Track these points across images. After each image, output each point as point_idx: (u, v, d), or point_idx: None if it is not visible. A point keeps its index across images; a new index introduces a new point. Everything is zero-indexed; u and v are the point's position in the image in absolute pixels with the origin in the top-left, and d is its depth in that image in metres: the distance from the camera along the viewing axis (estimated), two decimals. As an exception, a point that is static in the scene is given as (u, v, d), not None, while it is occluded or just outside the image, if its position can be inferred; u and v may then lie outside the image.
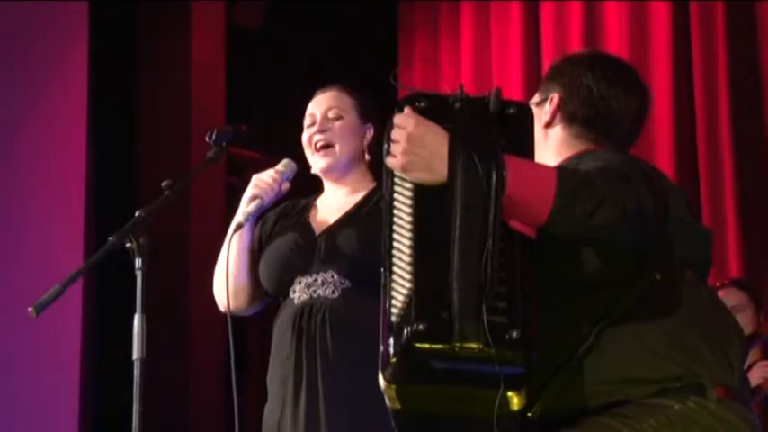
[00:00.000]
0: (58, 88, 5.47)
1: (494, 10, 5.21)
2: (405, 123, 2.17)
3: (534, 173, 2.15)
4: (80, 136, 5.42)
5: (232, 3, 5.87)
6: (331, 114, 3.33)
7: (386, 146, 2.20)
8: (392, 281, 2.10)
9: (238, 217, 3.20)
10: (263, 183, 3.20)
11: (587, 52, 2.66)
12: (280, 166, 3.25)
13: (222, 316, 5.39)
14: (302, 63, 5.88)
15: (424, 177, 2.14)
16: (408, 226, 2.12)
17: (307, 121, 3.35)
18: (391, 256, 2.12)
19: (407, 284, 2.07)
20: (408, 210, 2.13)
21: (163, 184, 2.93)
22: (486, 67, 5.21)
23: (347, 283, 3.13)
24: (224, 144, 3.04)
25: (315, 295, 3.16)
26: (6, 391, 4.89)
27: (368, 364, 3.00)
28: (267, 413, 3.20)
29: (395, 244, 2.12)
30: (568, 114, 2.46)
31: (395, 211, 2.15)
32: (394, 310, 2.08)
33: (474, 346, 2.02)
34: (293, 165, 3.27)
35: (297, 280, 3.18)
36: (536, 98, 2.53)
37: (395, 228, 2.14)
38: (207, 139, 3.04)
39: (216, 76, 5.65)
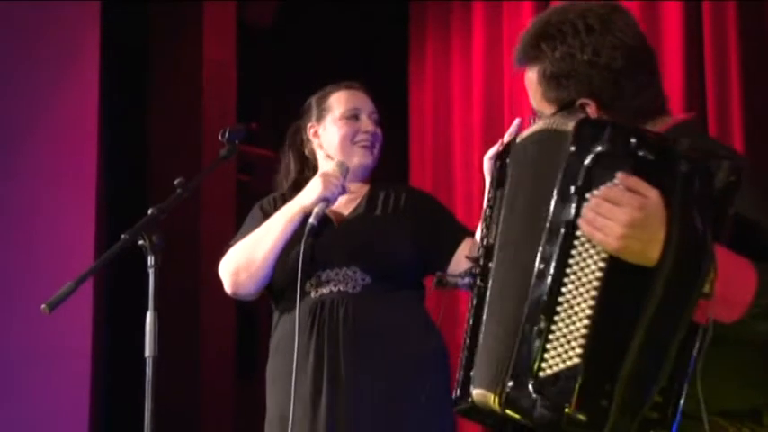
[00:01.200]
0: (70, 86, 5.48)
1: (506, 9, 5.20)
2: (625, 201, 1.94)
3: (735, 269, 1.97)
4: (92, 134, 5.43)
5: (244, 2, 5.87)
6: (374, 117, 3.40)
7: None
8: (550, 328, 1.96)
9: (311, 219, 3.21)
10: (333, 185, 3.23)
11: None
12: (336, 167, 3.28)
13: (233, 314, 5.45)
14: (313, 61, 5.88)
15: (632, 259, 1.95)
16: (592, 292, 1.95)
17: (348, 113, 3.38)
18: (557, 296, 1.96)
19: (572, 352, 1.93)
20: (596, 273, 1.96)
21: (175, 181, 2.94)
22: (497, 65, 5.20)
23: (368, 279, 3.16)
24: (237, 142, 3.05)
25: (335, 290, 3.18)
26: (18, 387, 4.90)
27: (389, 360, 3.08)
28: (272, 406, 3.21)
29: (567, 292, 1.96)
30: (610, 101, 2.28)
31: (577, 263, 1.98)
32: (548, 363, 1.95)
33: None
34: (346, 165, 3.32)
35: (316, 274, 3.19)
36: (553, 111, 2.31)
37: (573, 273, 1.97)
38: (220, 137, 3.04)
39: (228, 74, 5.65)
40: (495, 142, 4.94)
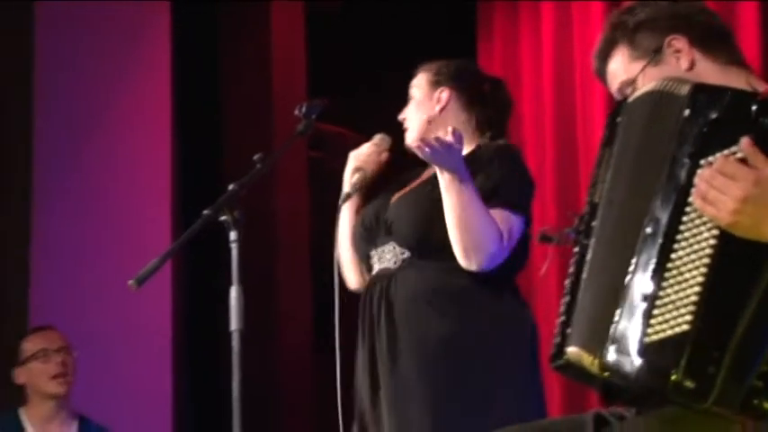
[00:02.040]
0: (143, 68, 5.55)
1: (575, 9, 5.09)
2: (740, 175, 1.90)
3: None
4: (165, 113, 5.49)
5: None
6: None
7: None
8: (658, 294, 1.95)
9: (345, 188, 3.25)
10: (363, 155, 3.25)
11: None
12: (375, 139, 3.29)
13: (309, 288, 5.49)
14: (380, 46, 5.86)
15: (743, 234, 1.92)
16: (705, 260, 1.93)
17: None
18: (667, 261, 1.94)
19: (681, 319, 1.92)
20: (709, 241, 1.93)
21: (255, 156, 2.97)
22: (568, 57, 5.09)
23: (406, 254, 3.15)
24: (313, 117, 3.07)
25: (382, 267, 3.20)
26: (101, 363, 4.97)
27: (425, 330, 3.07)
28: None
29: (676, 258, 1.95)
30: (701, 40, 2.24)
31: (689, 229, 1.95)
32: (654, 329, 1.94)
33: (725, 411, 1.92)
34: (387, 138, 3.31)
35: (371, 253, 3.21)
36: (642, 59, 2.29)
37: (684, 239, 1.96)
38: (297, 112, 3.07)
39: (297, 55, 5.67)
40: (566, 116, 4.91)
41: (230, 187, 2.89)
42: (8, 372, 4.52)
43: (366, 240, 3.22)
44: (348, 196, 3.22)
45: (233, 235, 2.88)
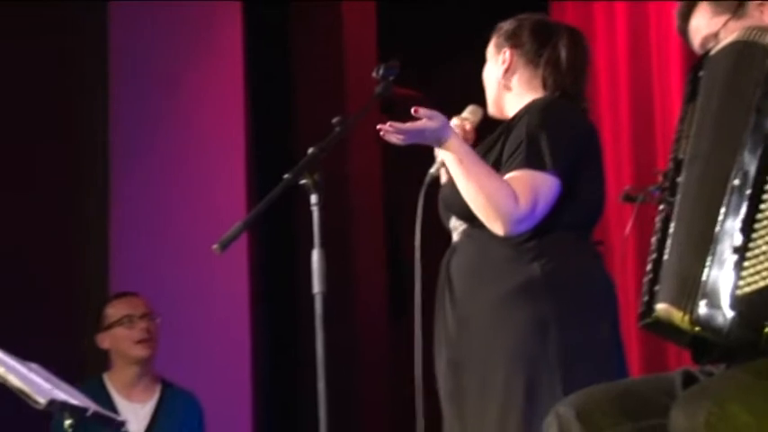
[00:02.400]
0: (217, 39, 5.58)
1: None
2: None
3: None
4: (238, 80, 5.52)
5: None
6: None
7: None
8: (748, 246, 1.94)
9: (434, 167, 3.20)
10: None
11: None
12: (465, 113, 3.25)
13: (384, 253, 5.50)
14: (454, 10, 5.81)
15: None
16: None
17: None
18: (756, 212, 1.93)
19: None
20: None
21: (334, 120, 2.97)
22: (643, 14, 4.99)
23: (465, 226, 3.12)
24: (391, 78, 3.05)
25: (454, 240, 3.17)
26: (179, 327, 5.03)
27: (483, 299, 3.03)
28: None
29: (766, 209, 1.94)
30: None
31: None
32: (745, 281, 1.94)
33: None
34: (480, 111, 3.25)
35: (450, 227, 3.20)
36: None
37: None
38: (374, 74, 3.05)
39: (367, 19, 5.65)
40: (641, 75, 4.82)
41: (310, 151, 2.90)
42: (90, 337, 4.59)
43: (445, 216, 3.21)
44: (432, 177, 3.18)
45: (314, 198, 2.89)
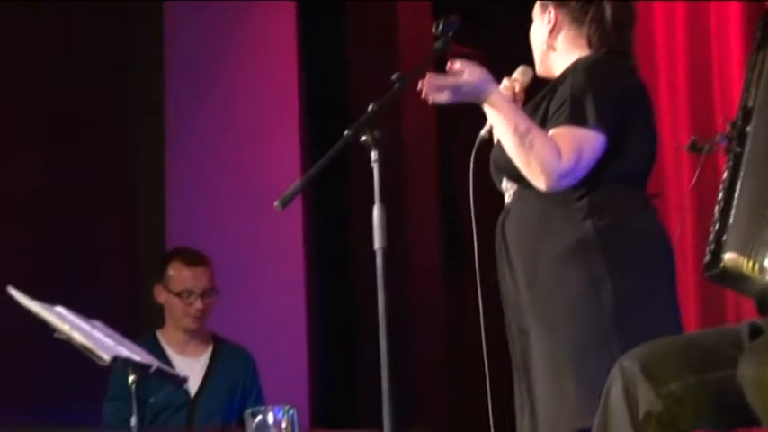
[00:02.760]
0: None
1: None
2: None
3: None
4: (291, 37, 5.53)
5: None
6: None
7: None
8: None
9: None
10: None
11: None
12: (515, 74, 3.24)
13: (437, 208, 5.50)
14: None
15: None
16: None
17: None
18: None
19: None
20: None
21: (393, 76, 2.96)
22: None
23: (515, 186, 3.11)
24: (450, 34, 3.04)
25: (506, 202, 3.17)
26: (235, 283, 5.06)
27: (538, 261, 3.01)
28: None
29: None
30: None
31: None
32: None
33: None
34: (530, 71, 3.23)
35: (502, 188, 3.19)
36: None
37: None
38: (433, 30, 3.04)
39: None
40: (700, 30, 4.74)
41: (370, 107, 2.90)
42: (148, 295, 4.63)
43: (496, 178, 3.20)
44: (483, 140, 3.18)
45: (374, 155, 2.88)
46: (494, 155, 3.14)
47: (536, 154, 2.93)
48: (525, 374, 3.03)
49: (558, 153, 2.92)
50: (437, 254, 5.56)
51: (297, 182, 2.88)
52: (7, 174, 5.05)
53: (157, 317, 4.63)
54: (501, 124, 3.00)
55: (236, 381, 4.50)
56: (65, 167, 5.22)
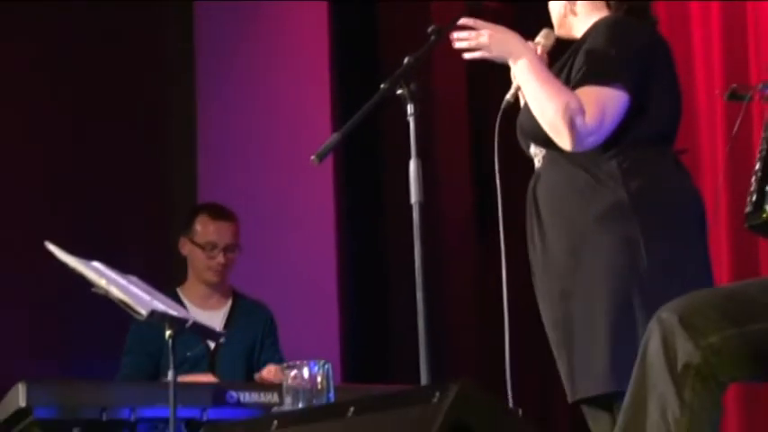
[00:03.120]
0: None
1: None
2: None
3: None
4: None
5: None
6: None
7: None
8: None
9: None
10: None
11: None
12: (538, 37, 3.22)
13: (469, 167, 5.50)
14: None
15: None
16: None
17: None
18: None
19: None
20: None
21: (429, 29, 2.96)
22: None
23: (544, 151, 3.10)
24: (483, -9, 3.03)
25: (536, 166, 3.15)
26: (265, 240, 5.09)
27: (572, 226, 3.00)
28: None
29: None
30: None
31: None
32: None
33: None
34: (552, 34, 3.20)
35: (531, 153, 3.19)
36: None
37: None
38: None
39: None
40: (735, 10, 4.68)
41: (406, 60, 2.90)
42: (178, 252, 4.66)
43: (524, 143, 3.20)
44: (509, 103, 3.17)
45: (410, 108, 2.89)
46: (520, 120, 3.14)
47: (560, 114, 2.92)
48: (565, 336, 3.02)
49: (582, 112, 2.92)
50: (468, 211, 5.55)
51: (333, 135, 2.89)
52: (39, 129, 5.16)
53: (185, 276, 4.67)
54: (527, 83, 3.00)
55: (255, 334, 4.54)
56: (95, 123, 5.30)
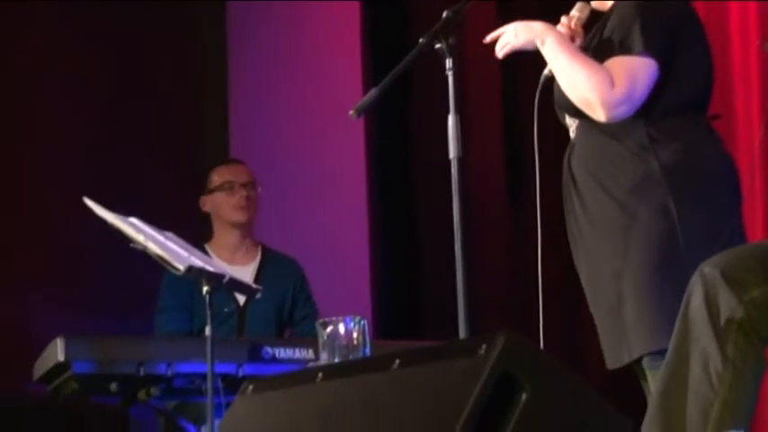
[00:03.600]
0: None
1: None
2: None
3: None
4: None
5: None
6: None
7: None
8: None
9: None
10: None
11: None
12: (573, 10, 3.20)
13: (501, 120, 5.48)
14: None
15: None
16: None
17: None
18: None
19: None
20: None
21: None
22: None
23: (577, 122, 3.09)
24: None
25: (572, 137, 3.15)
26: (297, 202, 5.11)
27: (607, 196, 2.99)
28: None
29: None
30: None
31: None
32: None
33: None
34: (587, 7, 3.19)
35: (566, 123, 3.17)
36: None
37: None
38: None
39: None
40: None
41: (444, 14, 2.89)
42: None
43: (560, 114, 3.20)
44: (547, 78, 3.16)
45: (448, 62, 2.89)
46: (556, 92, 3.13)
47: (590, 86, 2.93)
48: (608, 303, 3.02)
49: (609, 84, 2.92)
50: (499, 168, 5.53)
51: (372, 91, 2.88)
52: (83, 100, 5.25)
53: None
54: (555, 62, 3.01)
55: (285, 289, 4.53)
56: (133, 92, 5.35)
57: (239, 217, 4.52)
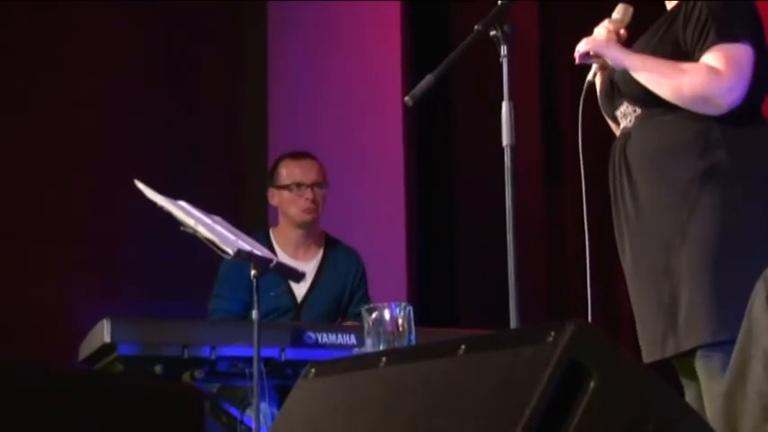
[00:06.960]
0: None
1: None
2: None
3: None
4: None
5: None
6: None
7: None
8: None
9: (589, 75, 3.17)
10: (599, 39, 3.14)
11: None
12: (615, 14, 3.18)
13: (538, 112, 5.47)
14: None
15: None
16: None
17: None
18: None
19: None
20: None
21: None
22: None
23: (638, 111, 3.08)
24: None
25: (623, 126, 3.14)
26: (337, 182, 5.12)
27: (667, 186, 2.99)
28: None
29: None
30: None
31: None
32: None
33: None
34: (629, 9, 3.18)
35: (617, 114, 3.16)
36: None
37: None
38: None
39: None
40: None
41: (500, 1, 2.88)
42: (250, 193, 4.68)
43: (608, 103, 3.18)
44: (590, 83, 3.16)
45: (503, 50, 2.88)
46: (618, 79, 3.12)
47: (693, 85, 2.95)
48: (659, 293, 3.01)
49: (713, 73, 2.93)
50: (536, 155, 5.53)
51: (428, 77, 2.88)
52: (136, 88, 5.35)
53: (258, 221, 4.67)
54: (647, 80, 3.01)
55: (345, 283, 4.52)
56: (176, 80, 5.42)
57: (305, 218, 4.49)
